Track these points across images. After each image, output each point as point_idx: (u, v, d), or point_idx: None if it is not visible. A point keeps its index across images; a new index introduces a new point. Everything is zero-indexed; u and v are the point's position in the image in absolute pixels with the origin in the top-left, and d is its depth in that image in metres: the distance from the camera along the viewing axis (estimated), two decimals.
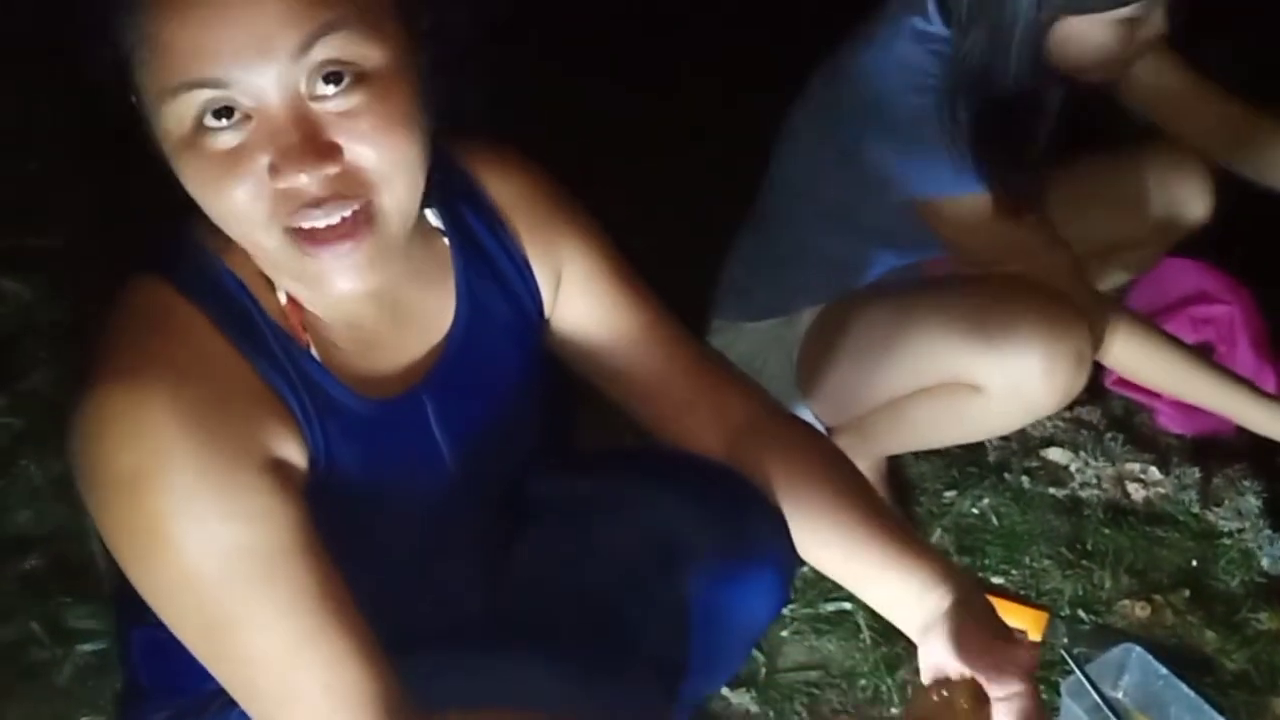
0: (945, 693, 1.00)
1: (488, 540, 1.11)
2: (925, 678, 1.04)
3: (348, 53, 0.83)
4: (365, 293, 0.91)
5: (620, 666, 1.07)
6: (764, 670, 1.57)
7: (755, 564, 1.09)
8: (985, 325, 1.51)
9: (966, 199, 1.51)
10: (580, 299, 1.11)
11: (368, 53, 0.84)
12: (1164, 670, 1.50)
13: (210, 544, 0.85)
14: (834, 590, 1.64)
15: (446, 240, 1.03)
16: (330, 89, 0.83)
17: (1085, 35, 1.47)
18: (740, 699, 1.52)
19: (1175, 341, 1.66)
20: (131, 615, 1.03)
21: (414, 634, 0.93)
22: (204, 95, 0.81)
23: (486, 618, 1.09)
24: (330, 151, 0.84)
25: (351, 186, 0.85)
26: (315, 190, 0.84)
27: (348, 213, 0.85)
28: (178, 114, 0.82)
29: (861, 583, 1.07)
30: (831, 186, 1.62)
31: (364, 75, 0.84)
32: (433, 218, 1.02)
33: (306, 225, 0.85)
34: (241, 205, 0.84)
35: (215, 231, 0.91)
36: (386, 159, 0.86)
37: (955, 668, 1.01)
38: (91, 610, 1.54)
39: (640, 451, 1.20)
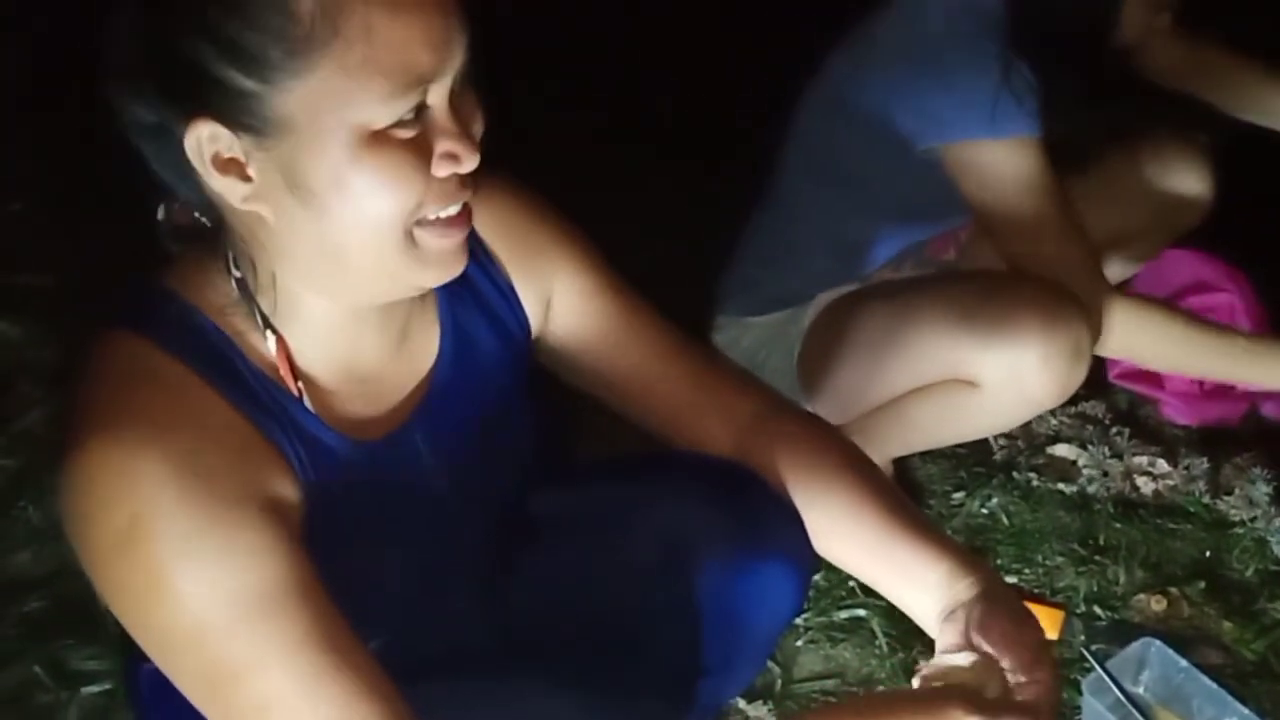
0: (962, 663, 0.96)
1: (491, 565, 1.10)
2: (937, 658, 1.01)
3: None
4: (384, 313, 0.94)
5: (635, 678, 1.06)
6: (780, 681, 1.55)
7: (771, 560, 1.08)
8: (980, 320, 1.50)
9: (1006, 142, 1.49)
10: (572, 315, 1.11)
11: None
12: (1184, 663, 1.48)
13: (211, 588, 0.83)
14: (847, 598, 1.63)
15: None
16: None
17: None
18: (757, 710, 1.50)
19: (1182, 320, 1.61)
20: (139, 652, 1.01)
21: (421, 665, 0.91)
22: (422, 90, 0.84)
23: (493, 642, 1.08)
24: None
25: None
26: (464, 179, 0.88)
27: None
28: (390, 109, 0.83)
29: (883, 578, 1.05)
30: (847, 158, 1.61)
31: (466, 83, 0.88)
32: None
33: (445, 215, 0.88)
34: (416, 195, 0.86)
35: (190, 281, 0.91)
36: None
37: (974, 650, 0.98)
38: (95, 652, 1.52)
39: (645, 458, 1.18)
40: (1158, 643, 1.51)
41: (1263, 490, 1.78)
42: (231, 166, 0.85)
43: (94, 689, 1.49)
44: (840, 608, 1.62)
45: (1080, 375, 1.51)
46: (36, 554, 1.66)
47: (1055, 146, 1.58)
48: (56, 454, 0.86)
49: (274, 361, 0.92)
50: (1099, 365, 1.97)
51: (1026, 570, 1.70)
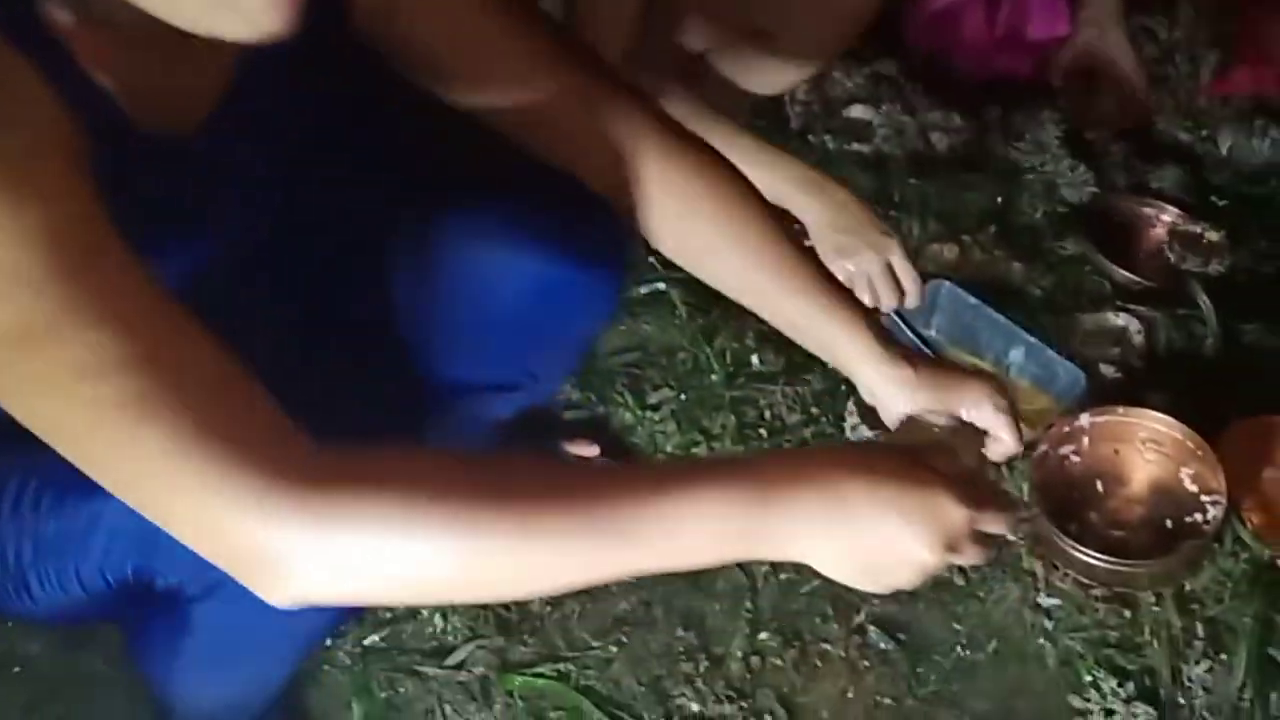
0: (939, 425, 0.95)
1: (316, 274, 1.05)
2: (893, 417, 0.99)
3: None
4: None
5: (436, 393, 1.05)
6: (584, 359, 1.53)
7: (585, 271, 1.02)
8: None
9: None
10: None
11: None
12: (973, 300, 1.51)
13: (16, 231, 0.68)
14: (646, 273, 1.60)
15: None
16: None
17: None
18: (562, 388, 1.49)
19: None
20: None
21: None
22: None
23: (310, 362, 1.03)
24: None
25: None
26: None
27: None
28: None
29: (798, 330, 1.01)
30: None
31: None
32: None
33: None
34: None
35: None
36: None
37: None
38: None
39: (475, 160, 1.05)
40: (947, 284, 1.54)
41: (1052, 134, 1.79)
42: None
43: None
44: (640, 283, 1.60)
45: None
46: None
47: None
48: None
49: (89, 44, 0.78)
50: (895, 26, 1.92)
51: None
